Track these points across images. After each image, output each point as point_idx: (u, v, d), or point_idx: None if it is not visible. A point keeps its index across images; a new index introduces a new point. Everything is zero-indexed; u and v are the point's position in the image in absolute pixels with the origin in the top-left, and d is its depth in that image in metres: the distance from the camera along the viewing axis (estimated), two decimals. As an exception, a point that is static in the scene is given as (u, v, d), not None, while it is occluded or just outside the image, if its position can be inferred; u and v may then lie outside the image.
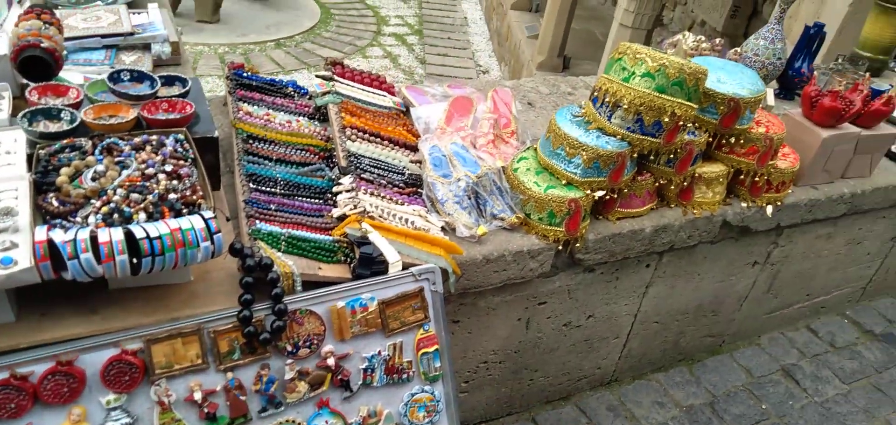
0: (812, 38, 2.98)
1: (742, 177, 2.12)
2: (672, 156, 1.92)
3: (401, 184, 1.83)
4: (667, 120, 1.75)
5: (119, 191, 1.33)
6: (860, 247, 2.79)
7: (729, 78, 1.98)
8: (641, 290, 2.24)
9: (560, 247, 1.84)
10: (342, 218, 1.63)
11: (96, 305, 1.32)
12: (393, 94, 2.36)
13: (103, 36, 2.21)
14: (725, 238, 2.25)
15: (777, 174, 2.16)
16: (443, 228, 1.73)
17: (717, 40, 2.51)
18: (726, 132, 2.00)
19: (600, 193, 1.84)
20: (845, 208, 2.46)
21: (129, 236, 1.23)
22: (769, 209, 2.22)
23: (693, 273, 2.32)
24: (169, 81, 1.78)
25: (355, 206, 1.64)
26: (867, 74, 2.48)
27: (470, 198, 1.80)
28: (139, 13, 2.35)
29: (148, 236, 1.24)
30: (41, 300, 1.28)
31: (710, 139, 2.02)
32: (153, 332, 1.31)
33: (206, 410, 1.33)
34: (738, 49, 2.46)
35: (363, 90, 2.26)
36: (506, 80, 7.83)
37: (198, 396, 1.32)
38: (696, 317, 2.53)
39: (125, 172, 1.39)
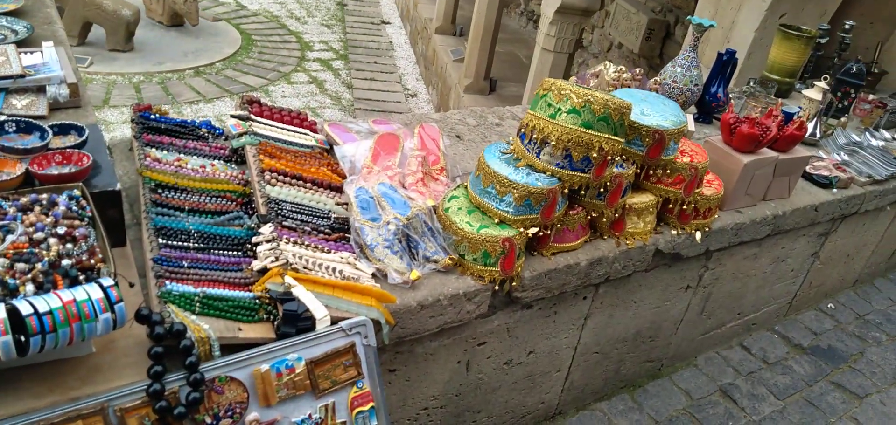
0: (725, 64, 3.09)
1: (671, 205, 2.14)
2: (602, 189, 1.90)
3: (326, 230, 1.73)
4: (595, 155, 1.74)
5: (1, 260, 1.17)
6: (784, 264, 2.89)
7: (652, 110, 2.00)
8: (580, 322, 2.21)
9: (497, 287, 1.78)
10: (263, 271, 1.51)
11: (-25, 391, 1.16)
12: (315, 131, 2.26)
13: (-11, 79, 2.01)
14: (659, 265, 2.26)
15: (703, 201, 2.19)
16: (373, 275, 1.64)
17: (638, 70, 2.55)
18: (653, 163, 2.01)
19: (534, 230, 1.79)
20: (769, 229, 2.53)
21: (14, 313, 1.08)
22: (698, 235, 2.25)
23: (630, 301, 2.32)
24: (63, 130, 1.62)
25: (277, 258, 1.52)
26: (779, 101, 2.58)
27: (401, 242, 1.72)
28: (31, 52, 2.15)
29: (36, 312, 1.09)
30: None
31: (638, 171, 2.03)
32: (48, 417, 1.15)
33: (109, 504, 1.18)
34: (657, 78, 2.51)
35: (283, 129, 2.15)
36: (434, 103, 7.84)
37: (99, 489, 1.16)
38: (635, 343, 2.53)
39: (9, 238, 1.23)
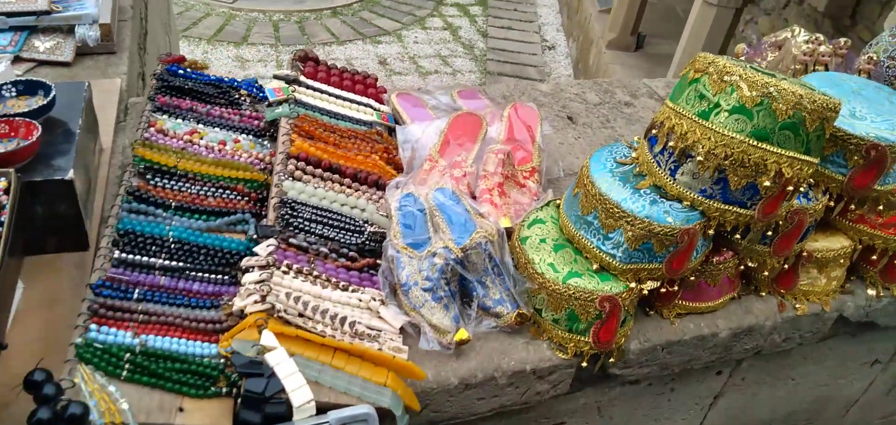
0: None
1: (873, 257, 1.43)
2: (770, 230, 1.25)
3: (354, 253, 1.25)
4: (768, 184, 1.09)
5: None
6: None
7: (868, 109, 1.28)
8: (707, 402, 1.59)
9: (584, 364, 1.21)
10: (243, 315, 1.07)
11: None
12: (382, 102, 1.77)
13: (9, 14, 1.72)
14: (839, 333, 1.56)
15: (930, 254, 1.44)
16: (402, 330, 1.15)
17: (842, 41, 1.77)
18: (858, 194, 1.30)
19: (652, 285, 1.20)
20: None
21: None
22: (911, 299, 1.51)
23: (786, 377, 1.64)
24: (30, 89, 1.26)
25: (263, 297, 1.07)
26: None
27: (450, 284, 1.20)
28: (64, -16, 1.84)
29: None
30: None
31: (831, 203, 1.33)
32: None
33: None
34: (873, 55, 1.72)
35: (337, 98, 1.68)
36: (573, 57, 7.07)
37: None
38: None
39: None
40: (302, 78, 1.70)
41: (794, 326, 1.41)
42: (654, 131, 1.20)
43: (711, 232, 1.17)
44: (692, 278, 1.27)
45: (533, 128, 1.60)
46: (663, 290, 1.26)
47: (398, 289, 1.20)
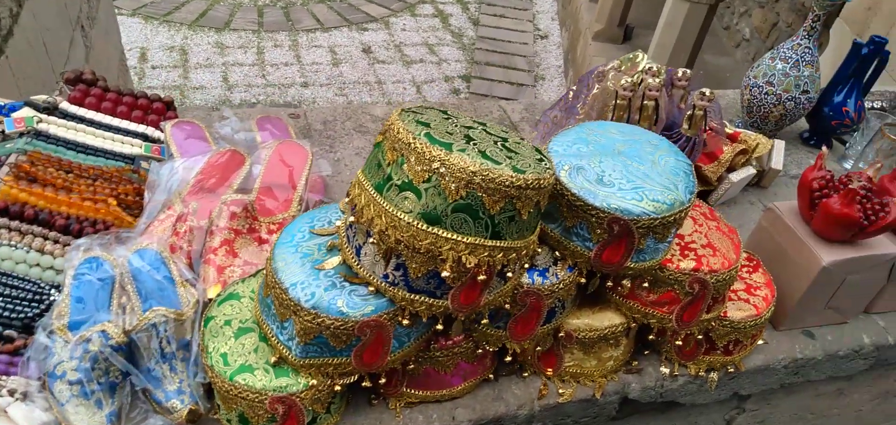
0: (865, 59, 1.97)
1: (650, 337, 1.24)
2: (505, 311, 1.07)
3: (16, 330, 1.08)
4: (447, 274, 0.91)
5: None
6: (900, 399, 1.82)
7: (621, 173, 1.08)
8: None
9: (266, 471, 1.04)
10: None
11: None
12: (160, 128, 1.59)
13: None
14: (639, 411, 1.37)
15: (724, 331, 1.25)
16: (36, 433, 0.98)
17: (680, 72, 1.57)
18: (610, 270, 1.11)
19: (348, 381, 1.02)
20: (865, 364, 1.51)
21: None
22: (713, 378, 1.32)
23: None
24: None
25: None
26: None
27: (107, 374, 1.03)
28: None
29: None
30: None
31: (582, 280, 1.14)
32: None
33: None
34: (707, 91, 1.51)
35: (97, 130, 1.50)
36: (564, 47, 6.80)
37: None
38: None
39: None
40: (63, 104, 1.52)
41: (558, 414, 1.22)
42: (351, 196, 1.01)
43: (405, 322, 0.99)
44: (411, 367, 1.09)
45: (296, 171, 1.41)
46: (382, 380, 1.08)
47: (46, 380, 1.02)
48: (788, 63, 1.92)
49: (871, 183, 1.31)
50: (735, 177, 1.71)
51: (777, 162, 1.81)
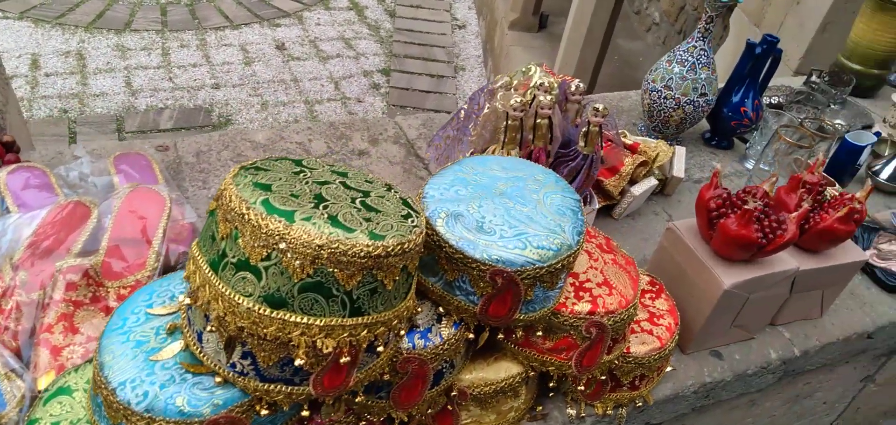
0: (759, 58, 1.96)
1: (551, 383, 1.15)
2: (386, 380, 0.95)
3: None
4: (301, 360, 0.78)
5: None
6: (810, 401, 1.81)
7: (502, 218, 0.98)
8: None
9: None
10: None
11: None
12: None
13: None
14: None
15: (629, 368, 1.18)
16: None
17: (574, 85, 1.49)
18: (500, 323, 1.01)
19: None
20: (774, 378, 1.48)
21: None
22: (622, 414, 1.25)
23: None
24: None
25: None
26: (819, 156, 1.46)
27: None
28: None
29: None
30: None
31: (471, 336, 1.03)
32: None
33: None
34: (599, 106, 1.43)
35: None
36: (482, 37, 6.71)
37: None
38: None
39: None
40: None
41: (456, 475, 1.12)
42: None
43: (265, 411, 0.85)
44: (279, 453, 0.96)
45: (151, 222, 1.24)
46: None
47: None
48: (685, 66, 1.89)
49: (768, 197, 1.27)
50: (637, 190, 1.65)
51: (679, 170, 1.77)
